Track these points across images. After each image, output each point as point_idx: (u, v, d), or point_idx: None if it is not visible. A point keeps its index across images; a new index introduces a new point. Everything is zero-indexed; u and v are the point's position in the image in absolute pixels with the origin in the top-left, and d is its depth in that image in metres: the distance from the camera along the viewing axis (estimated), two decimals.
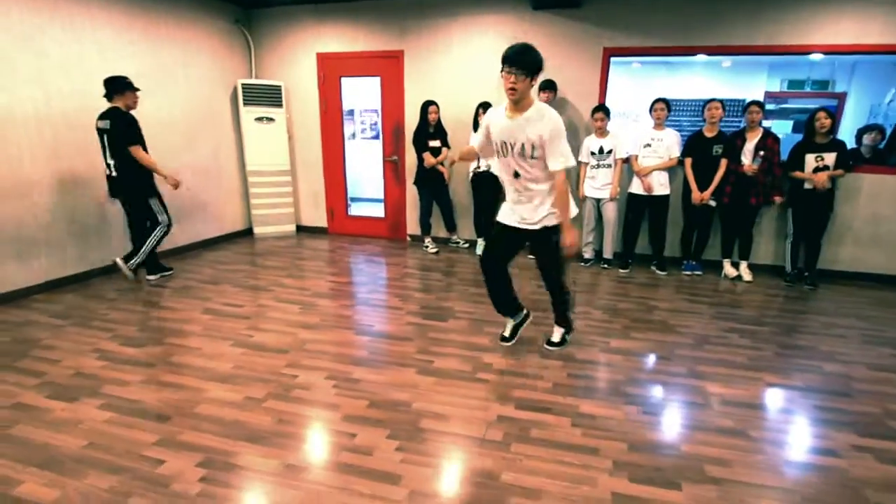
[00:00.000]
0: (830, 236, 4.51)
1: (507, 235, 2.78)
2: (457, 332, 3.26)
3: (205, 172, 5.40)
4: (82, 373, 2.66)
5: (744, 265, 4.56)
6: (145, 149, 3.95)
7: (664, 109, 4.47)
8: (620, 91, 6.93)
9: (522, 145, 2.50)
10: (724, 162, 4.35)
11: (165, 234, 4.21)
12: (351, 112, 7.67)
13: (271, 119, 5.77)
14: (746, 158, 4.33)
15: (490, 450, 2.06)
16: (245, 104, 5.63)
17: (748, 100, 4.44)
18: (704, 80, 7.25)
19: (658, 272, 4.67)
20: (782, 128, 6.74)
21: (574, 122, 5.00)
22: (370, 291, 4.22)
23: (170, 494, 1.76)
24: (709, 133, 4.42)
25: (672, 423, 2.26)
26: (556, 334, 3.08)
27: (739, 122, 4.45)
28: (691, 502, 1.77)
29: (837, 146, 4.13)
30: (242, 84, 5.57)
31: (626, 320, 3.51)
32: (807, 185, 4.20)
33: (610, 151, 4.61)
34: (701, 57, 6.75)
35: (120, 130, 3.79)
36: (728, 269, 4.60)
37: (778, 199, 4.38)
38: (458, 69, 5.28)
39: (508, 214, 2.77)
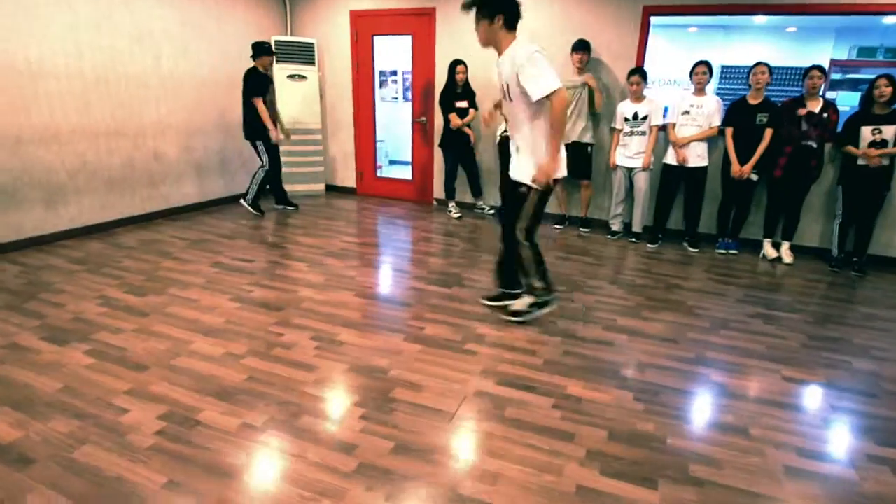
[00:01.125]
0: (885, 219, 4.02)
1: (509, 190, 2.72)
2: (458, 301, 3.14)
3: (236, 129, 5.40)
4: (81, 318, 2.74)
5: (786, 246, 4.15)
6: (265, 102, 4.66)
7: (706, 73, 4.05)
8: (675, 58, 6.41)
9: (506, 85, 2.48)
10: (768, 132, 3.91)
11: (266, 174, 4.90)
12: (383, 73, 7.49)
13: (303, 77, 5.68)
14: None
15: (457, 426, 1.95)
16: (278, 61, 5.55)
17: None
18: (766, 46, 6.64)
19: (690, 249, 4.33)
20: (849, 100, 6.05)
21: (609, 86, 4.63)
22: (382, 254, 4.14)
23: (121, 445, 1.77)
24: (753, 100, 3.97)
25: (664, 414, 2.06)
26: (520, 302, 2.80)
27: (800, 90, 3.96)
28: None
29: None
30: (276, 41, 5.49)
31: (642, 298, 3.27)
32: (860, 162, 3.72)
33: (645, 118, 4.24)
34: (761, 20, 6.17)
35: (248, 85, 4.61)
36: (768, 250, 4.20)
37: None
38: None
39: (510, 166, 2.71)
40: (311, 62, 5.68)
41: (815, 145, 3.86)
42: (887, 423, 2.07)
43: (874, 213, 3.85)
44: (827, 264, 4.04)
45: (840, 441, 1.96)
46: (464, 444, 1.85)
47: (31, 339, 2.48)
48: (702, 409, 2.14)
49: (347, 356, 2.45)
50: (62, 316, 2.75)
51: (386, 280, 3.55)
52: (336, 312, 2.93)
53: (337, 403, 2.08)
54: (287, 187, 6.02)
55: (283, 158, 5.95)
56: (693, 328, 2.86)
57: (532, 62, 2.32)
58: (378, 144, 6.75)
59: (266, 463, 1.72)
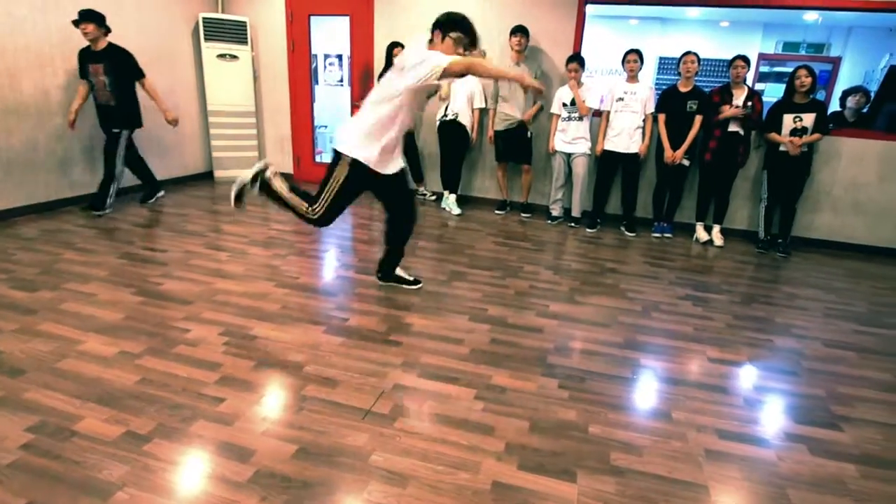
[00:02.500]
0: (807, 202, 4.19)
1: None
2: (387, 289, 2.99)
3: (175, 107, 4.99)
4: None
5: (716, 229, 4.25)
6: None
7: (637, 61, 4.12)
8: (615, 50, 6.54)
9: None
10: (698, 119, 4.01)
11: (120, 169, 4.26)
12: (328, 56, 7.19)
13: (234, 56, 5.33)
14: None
15: (370, 424, 1.80)
16: (206, 40, 5.18)
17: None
18: (700, 39, 7.00)
19: (627, 233, 4.37)
20: (776, 91, 6.37)
21: (547, 73, 4.62)
22: (312, 242, 3.92)
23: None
24: (683, 88, 4.06)
25: (588, 401, 2.00)
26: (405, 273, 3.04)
27: (726, 79, 4.06)
28: (583, 498, 1.52)
29: (817, 107, 3.79)
30: (204, 18, 5.13)
31: (576, 283, 3.23)
32: (782, 148, 3.85)
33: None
34: (696, 13, 6.38)
35: (129, 64, 4.06)
36: (700, 233, 4.28)
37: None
38: (430, 10, 4.77)
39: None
40: (243, 41, 5.34)
41: (741, 132, 3.94)
42: (806, 401, 2.10)
43: (796, 197, 3.99)
44: (754, 246, 4.16)
45: (760, 421, 1.96)
46: (375, 443, 1.71)
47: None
48: (626, 394, 2.09)
49: (259, 351, 2.26)
50: None
51: (314, 269, 3.36)
52: (253, 305, 2.72)
53: (238, 404, 1.89)
54: (218, 173, 5.69)
55: (214, 142, 5.61)
56: (624, 311, 2.83)
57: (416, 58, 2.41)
58: (321, 130, 6.47)
59: (146, 477, 1.52)
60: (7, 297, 2.65)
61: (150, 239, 3.65)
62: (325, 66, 7.18)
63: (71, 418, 1.75)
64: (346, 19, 5.24)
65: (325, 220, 2.63)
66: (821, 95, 6.30)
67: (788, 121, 3.79)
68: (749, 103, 3.89)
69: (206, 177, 5.75)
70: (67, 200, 4.32)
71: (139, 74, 4.09)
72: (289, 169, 5.91)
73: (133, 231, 3.81)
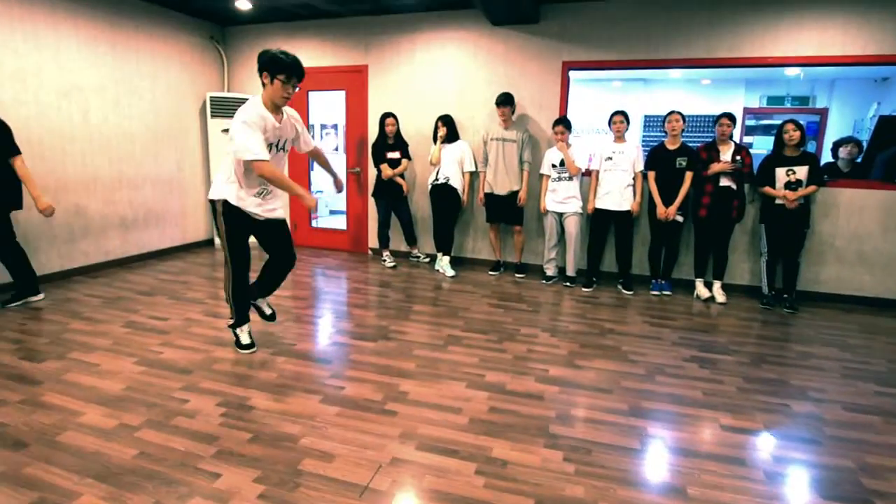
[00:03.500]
0: (811, 255, 4.19)
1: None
2: (383, 355, 2.92)
3: (167, 183, 5.25)
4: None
5: (717, 285, 4.22)
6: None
7: (623, 122, 4.26)
8: (599, 109, 6.82)
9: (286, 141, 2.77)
10: (688, 175, 4.09)
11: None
12: (324, 126, 7.47)
13: None
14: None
15: (368, 501, 1.70)
16: (213, 116, 5.44)
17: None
18: (683, 96, 7.26)
19: (624, 291, 4.33)
20: (764, 144, 6.54)
21: (535, 136, 4.77)
22: (307, 307, 3.88)
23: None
24: (671, 145, 4.17)
25: (595, 475, 1.89)
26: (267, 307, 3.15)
27: (713, 135, 4.19)
28: None
29: (808, 159, 3.86)
30: (211, 97, 5.42)
31: (575, 345, 3.16)
32: (778, 201, 3.89)
33: None
34: (678, 74, 6.70)
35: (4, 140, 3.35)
36: (700, 290, 4.25)
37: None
38: (419, 82, 5.12)
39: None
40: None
41: (734, 186, 4.01)
42: (833, 474, 1.96)
43: (797, 250, 3.98)
44: (759, 302, 4.12)
45: (785, 497, 1.83)
46: None
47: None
48: (636, 467, 1.98)
49: (255, 423, 2.18)
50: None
51: (310, 336, 3.30)
52: (249, 373, 2.65)
53: (235, 480, 1.79)
54: (218, 240, 5.73)
55: None
56: (628, 376, 2.75)
57: (236, 127, 2.48)
58: (317, 195, 6.60)
59: None
60: (16, 367, 2.65)
61: (154, 307, 3.64)
62: (321, 135, 7.44)
63: (69, 495, 1.69)
64: (343, 93, 5.49)
65: (240, 265, 2.79)
66: (811, 147, 6.43)
67: (781, 174, 3.85)
68: (738, 157, 3.96)
69: (207, 244, 5.82)
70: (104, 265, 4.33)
71: (13, 151, 3.39)
72: None
73: (137, 300, 3.80)
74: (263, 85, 2.50)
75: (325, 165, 3.07)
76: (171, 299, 3.85)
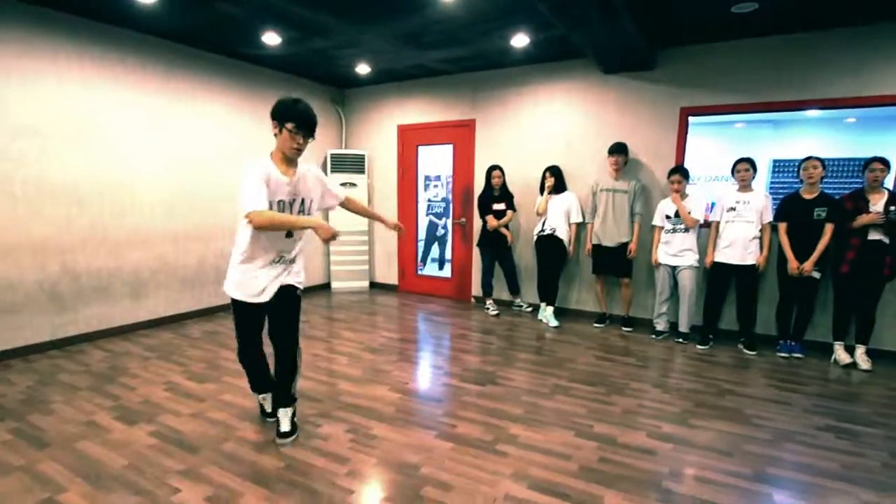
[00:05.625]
0: None
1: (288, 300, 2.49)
2: (491, 399, 3.06)
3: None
4: (149, 401, 2.95)
5: (861, 350, 3.80)
6: None
7: (749, 170, 4.04)
8: (719, 154, 6.42)
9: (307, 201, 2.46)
10: (829, 227, 3.76)
11: None
12: (428, 178, 8.01)
13: (354, 184, 6.21)
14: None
15: None
16: (332, 171, 6.15)
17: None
18: (821, 138, 6.41)
19: (746, 351, 4.06)
20: None
21: (648, 186, 4.71)
22: (420, 349, 4.17)
23: None
24: (807, 195, 3.88)
25: None
26: (285, 420, 2.53)
27: (860, 181, 3.84)
28: None
29: None
30: (331, 154, 6.15)
31: (689, 403, 3.05)
32: None
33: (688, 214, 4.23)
34: (815, 112, 6.06)
35: None
36: (840, 355, 3.85)
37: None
38: (527, 134, 5.33)
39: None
40: (361, 171, 6.24)
41: (886, 241, 3.63)
42: None
43: None
44: None
45: None
46: None
47: (105, 419, 2.71)
48: None
49: (380, 450, 2.43)
50: (133, 398, 2.97)
51: (422, 376, 3.54)
52: (371, 406, 2.94)
53: (367, 498, 2.04)
54: (335, 284, 6.37)
55: (333, 257, 6.41)
56: (751, 440, 2.61)
57: (242, 180, 2.21)
58: (420, 244, 7.05)
59: None
60: (185, 387, 3.20)
61: None
62: (425, 186, 7.97)
63: (235, 494, 2.07)
64: (450, 147, 5.92)
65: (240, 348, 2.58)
66: None
67: None
68: (892, 208, 3.57)
69: (325, 287, 6.47)
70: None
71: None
72: (394, 280, 6.43)
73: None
74: (275, 136, 2.27)
75: (365, 212, 2.82)
76: (307, 328, 4.35)
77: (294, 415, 2.60)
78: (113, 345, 3.97)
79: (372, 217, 2.87)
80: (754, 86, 4.26)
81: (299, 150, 2.27)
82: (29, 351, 3.70)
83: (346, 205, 2.70)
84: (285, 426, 2.51)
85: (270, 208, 2.21)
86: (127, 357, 3.69)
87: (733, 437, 2.63)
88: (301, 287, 2.54)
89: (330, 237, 2.21)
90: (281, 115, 2.22)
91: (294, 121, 2.21)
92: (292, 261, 2.47)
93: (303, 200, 2.38)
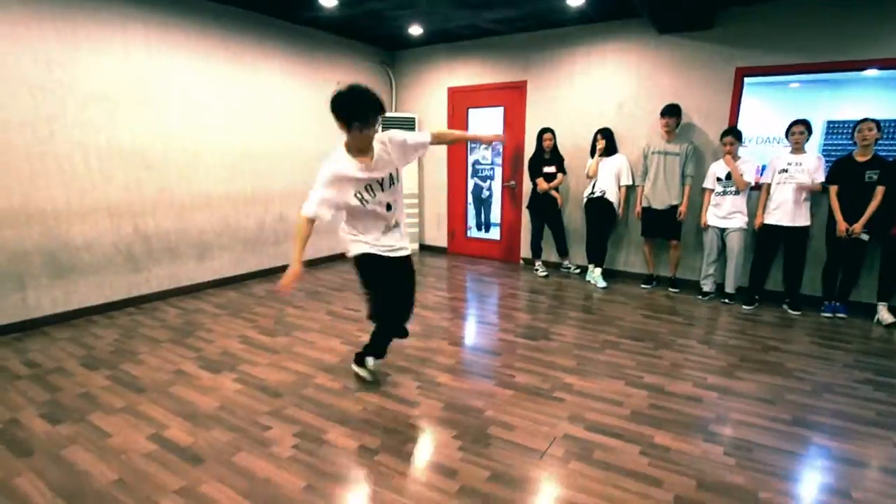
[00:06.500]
0: None
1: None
2: (545, 353, 3.32)
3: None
4: (227, 352, 3.29)
5: None
6: None
7: (803, 133, 4.02)
8: (773, 115, 6.27)
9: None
10: (880, 190, 3.77)
11: None
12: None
13: None
14: None
15: (548, 463, 2.12)
16: None
17: None
18: (881, 99, 6.11)
19: (791, 312, 4.17)
20: None
21: (700, 148, 4.72)
22: (472, 307, 4.44)
23: (267, 454, 2.16)
24: (861, 157, 3.87)
25: (757, 469, 2.07)
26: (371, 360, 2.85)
27: None
28: None
29: None
30: (381, 118, 6.27)
31: (734, 358, 3.23)
32: None
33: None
34: (873, 71, 5.82)
35: None
36: (884, 315, 3.92)
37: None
38: (578, 96, 5.34)
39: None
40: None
41: None
42: None
43: None
44: None
45: None
46: (554, 478, 2.01)
47: (192, 368, 3.05)
48: (798, 469, 2.11)
49: (445, 396, 2.72)
50: (213, 350, 3.32)
51: (477, 331, 3.82)
52: (433, 358, 3.23)
53: (438, 435, 2.34)
54: None
55: None
56: (792, 390, 2.79)
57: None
58: (470, 207, 7.22)
59: (382, 480, 2.00)
60: (258, 339, 3.54)
61: (346, 301, 4.48)
62: (471, 149, 8.04)
63: (319, 430, 2.37)
64: (501, 109, 5.98)
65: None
66: None
67: None
68: None
69: None
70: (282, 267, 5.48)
71: None
72: (443, 243, 6.67)
73: (331, 294, 4.69)
74: (340, 128, 2.31)
75: (462, 138, 2.81)
76: (356, 295, 4.64)
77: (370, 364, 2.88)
78: (184, 303, 4.35)
79: (470, 139, 2.86)
80: (813, 45, 4.17)
81: (368, 139, 2.30)
82: (109, 308, 4.09)
83: (439, 140, 2.62)
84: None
85: (355, 198, 2.36)
86: (199, 314, 4.07)
87: (775, 388, 2.81)
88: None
89: (291, 281, 2.29)
90: (338, 113, 2.23)
91: (353, 119, 2.21)
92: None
93: (386, 177, 2.42)
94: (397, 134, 2.45)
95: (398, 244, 2.58)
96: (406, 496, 1.90)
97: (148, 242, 4.32)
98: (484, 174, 7.61)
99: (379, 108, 2.26)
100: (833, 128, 6.47)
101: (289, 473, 2.02)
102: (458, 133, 2.83)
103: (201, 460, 2.11)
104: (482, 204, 7.65)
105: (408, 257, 2.65)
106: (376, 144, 2.38)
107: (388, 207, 2.50)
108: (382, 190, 2.43)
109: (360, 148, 2.33)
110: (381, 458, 2.14)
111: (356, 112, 2.21)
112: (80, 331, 3.63)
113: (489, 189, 7.42)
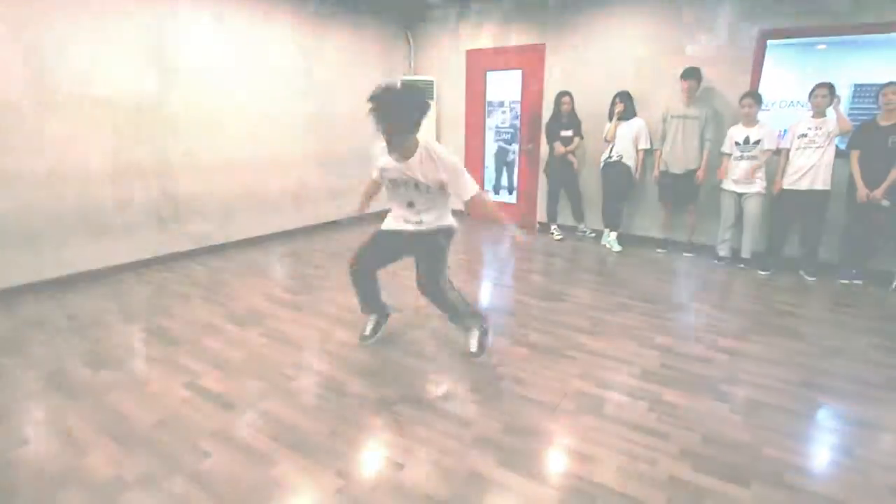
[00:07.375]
0: None
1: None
2: (558, 313, 3.39)
3: (365, 157, 6.22)
4: (253, 308, 3.43)
5: None
6: None
7: (826, 96, 3.92)
8: (797, 78, 6.09)
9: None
10: None
11: None
12: (491, 104, 7.96)
13: None
14: None
15: (559, 416, 2.22)
16: None
17: None
18: None
19: (807, 277, 4.16)
20: None
21: (719, 111, 4.63)
22: (488, 269, 4.52)
23: (293, 403, 2.29)
24: (884, 121, 3.79)
25: (762, 427, 2.15)
26: (473, 342, 2.74)
27: None
28: (756, 502, 1.74)
29: None
30: (401, 81, 6.24)
31: (747, 322, 3.28)
32: None
33: (757, 142, 4.19)
34: None
35: None
36: None
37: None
38: (597, 59, 5.25)
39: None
40: (429, 97, 6.32)
41: None
42: None
43: None
44: None
45: None
46: (565, 430, 2.12)
47: (220, 322, 3.20)
48: (803, 427, 2.19)
49: (460, 353, 2.82)
50: (239, 306, 3.46)
51: (492, 292, 3.90)
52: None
53: (454, 387, 2.45)
54: None
55: None
56: (803, 353, 2.84)
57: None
58: (487, 170, 7.20)
59: (417, 451, 2.13)
60: (281, 297, 3.67)
61: None
62: (488, 113, 7.96)
63: (340, 383, 2.49)
64: (519, 72, 5.89)
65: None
66: None
67: None
68: None
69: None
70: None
71: None
72: (460, 206, 6.66)
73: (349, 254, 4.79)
74: None
75: (492, 216, 2.65)
76: None
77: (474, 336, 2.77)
78: (210, 262, 4.48)
79: (500, 222, 2.74)
80: (840, 6, 4.04)
81: (390, 140, 2.26)
82: (140, 266, 4.23)
83: (472, 206, 2.52)
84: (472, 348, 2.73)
85: (384, 181, 2.55)
86: (225, 272, 4.20)
87: (786, 351, 2.86)
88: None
89: None
90: (370, 111, 2.19)
91: (375, 118, 2.20)
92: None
93: (411, 181, 2.42)
94: (447, 161, 2.38)
95: (414, 218, 2.56)
96: (424, 444, 2.02)
97: (174, 203, 4.43)
98: (506, 137, 7.54)
99: (398, 118, 2.20)
100: (860, 91, 6.30)
101: (314, 420, 2.15)
102: (490, 210, 2.63)
103: (233, 407, 2.25)
104: (507, 167, 7.61)
105: (423, 235, 2.59)
106: (421, 150, 2.37)
107: (411, 204, 2.54)
108: (406, 187, 2.47)
109: (390, 143, 2.30)
110: (399, 408, 2.26)
111: (375, 114, 2.20)
112: (114, 287, 3.80)
113: (514, 152, 7.37)
